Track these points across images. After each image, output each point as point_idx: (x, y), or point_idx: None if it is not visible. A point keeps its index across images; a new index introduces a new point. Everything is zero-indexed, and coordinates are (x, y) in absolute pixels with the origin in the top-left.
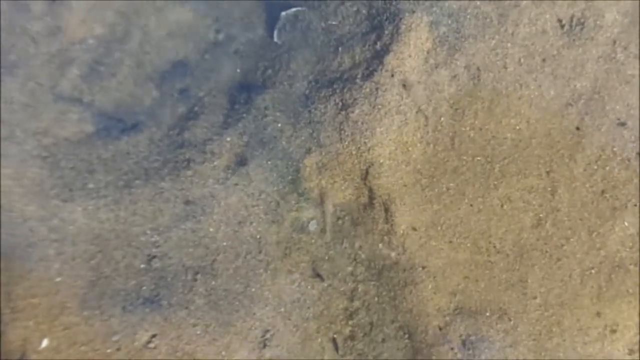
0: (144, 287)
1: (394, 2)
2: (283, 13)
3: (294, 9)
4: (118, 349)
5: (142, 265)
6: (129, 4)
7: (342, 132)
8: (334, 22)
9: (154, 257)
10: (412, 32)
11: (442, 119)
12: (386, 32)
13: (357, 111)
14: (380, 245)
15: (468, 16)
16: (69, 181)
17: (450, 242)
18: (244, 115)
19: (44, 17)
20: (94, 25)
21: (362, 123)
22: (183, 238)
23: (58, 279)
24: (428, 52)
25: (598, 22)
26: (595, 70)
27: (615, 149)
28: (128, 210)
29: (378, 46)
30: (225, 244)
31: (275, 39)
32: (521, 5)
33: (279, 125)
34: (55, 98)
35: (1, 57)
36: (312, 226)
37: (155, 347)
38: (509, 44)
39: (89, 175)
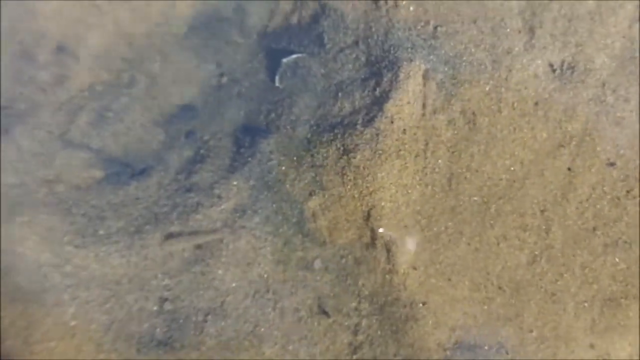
0: (157, 330)
1: (392, 51)
2: (284, 59)
3: (294, 56)
4: None
5: (155, 308)
6: (134, 50)
7: (345, 176)
8: (334, 69)
9: (166, 299)
10: (410, 80)
11: (440, 161)
12: (385, 79)
13: (358, 157)
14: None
15: (463, 63)
16: (81, 228)
17: (449, 279)
18: (249, 159)
19: (51, 66)
20: (100, 72)
21: (364, 168)
22: (193, 281)
23: (73, 323)
24: (426, 98)
25: (588, 66)
26: (586, 112)
27: (605, 188)
28: (139, 255)
29: (377, 93)
30: (234, 285)
31: (277, 84)
32: (514, 51)
33: (283, 168)
34: (65, 145)
35: (11, 106)
36: (317, 265)
37: None
38: (502, 89)
39: (100, 222)
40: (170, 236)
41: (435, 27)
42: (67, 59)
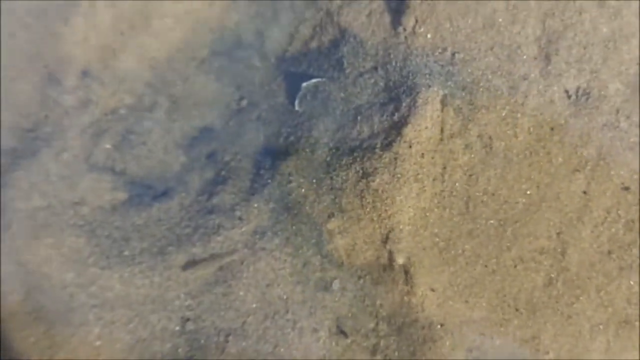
0: (179, 349)
1: (410, 76)
2: (304, 83)
3: (314, 80)
4: None
5: (177, 328)
6: (156, 74)
7: (364, 199)
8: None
9: (188, 319)
10: (428, 105)
11: (457, 184)
12: (404, 104)
13: (377, 180)
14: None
15: (480, 89)
16: (106, 249)
17: (467, 301)
18: (269, 181)
19: (76, 90)
20: (124, 96)
21: (383, 192)
22: (215, 302)
23: (98, 343)
24: (443, 123)
25: (602, 93)
26: (600, 138)
27: (620, 212)
28: (162, 276)
29: (396, 117)
30: (254, 305)
31: (297, 108)
32: (530, 78)
33: (303, 191)
34: (90, 168)
35: (37, 130)
36: (335, 286)
37: None
38: (519, 114)
39: (124, 243)
40: (190, 264)
41: (453, 54)
42: (92, 83)
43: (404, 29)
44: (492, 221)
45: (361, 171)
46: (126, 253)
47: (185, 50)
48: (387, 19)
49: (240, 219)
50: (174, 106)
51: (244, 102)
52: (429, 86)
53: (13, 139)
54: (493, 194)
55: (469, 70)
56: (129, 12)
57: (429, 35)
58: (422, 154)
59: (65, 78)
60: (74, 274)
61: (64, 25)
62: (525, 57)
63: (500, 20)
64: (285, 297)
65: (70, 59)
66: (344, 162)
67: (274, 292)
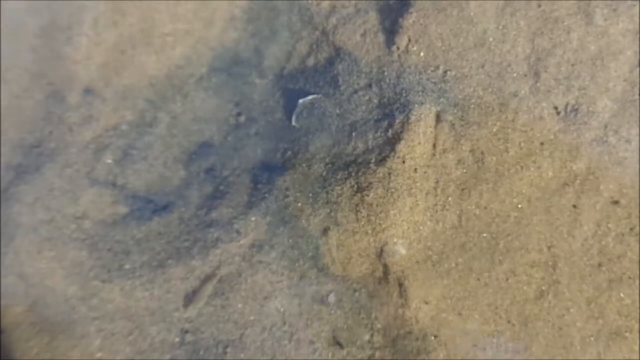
0: None
1: (403, 94)
2: (300, 100)
3: (310, 97)
4: None
5: (176, 340)
6: (157, 91)
7: (358, 213)
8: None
9: (187, 331)
10: (421, 122)
11: (450, 199)
12: (397, 121)
13: (372, 194)
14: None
15: (472, 106)
16: (107, 262)
17: (460, 314)
18: (267, 195)
19: (79, 107)
20: (125, 112)
21: (377, 205)
22: (213, 314)
23: (99, 355)
24: (436, 139)
25: (591, 109)
26: (590, 152)
27: (609, 225)
28: (162, 289)
29: (390, 134)
30: (252, 318)
31: (294, 124)
32: (520, 94)
33: (299, 205)
34: (92, 182)
35: (41, 145)
36: (331, 298)
37: None
38: (509, 130)
39: (125, 256)
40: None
41: (445, 72)
42: (94, 100)
43: (398, 48)
44: (484, 234)
45: (356, 185)
46: (127, 266)
47: (184, 68)
48: (381, 38)
49: (238, 232)
50: (174, 122)
51: (242, 118)
52: (422, 103)
53: (18, 155)
54: (485, 208)
55: (461, 88)
56: (131, 32)
57: (421, 54)
58: (415, 169)
59: (69, 95)
60: (75, 287)
61: (68, 45)
62: (515, 74)
63: (490, 39)
64: (282, 309)
65: (74, 77)
66: (339, 176)
67: (272, 304)
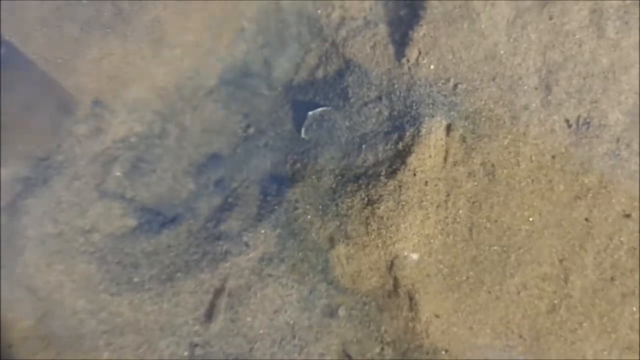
0: None
1: (414, 106)
2: (310, 112)
3: (320, 109)
4: None
5: (186, 354)
6: (166, 103)
7: (369, 226)
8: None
9: (196, 345)
10: (432, 135)
11: (461, 211)
12: (408, 133)
13: (382, 207)
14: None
15: (483, 118)
16: (116, 275)
17: (471, 328)
18: (276, 207)
19: (88, 119)
20: (134, 124)
21: (388, 219)
22: (223, 327)
23: None
24: (447, 152)
25: (602, 122)
26: (601, 166)
27: (622, 239)
28: (171, 302)
29: (400, 146)
30: (262, 332)
31: (303, 136)
32: (531, 107)
33: (309, 217)
34: (100, 195)
35: (50, 158)
36: (341, 312)
37: None
38: (520, 143)
39: (134, 270)
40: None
41: (456, 85)
42: (103, 112)
43: (408, 60)
44: (495, 248)
45: (366, 198)
46: (136, 279)
47: (194, 80)
48: (391, 50)
49: (247, 245)
50: (183, 134)
51: (252, 130)
52: (433, 116)
53: (27, 168)
54: (496, 221)
55: (472, 101)
56: (139, 44)
57: (432, 66)
58: (426, 181)
59: (78, 108)
60: (84, 300)
61: (77, 58)
62: (526, 87)
63: (501, 52)
64: (292, 322)
65: (83, 89)
66: (349, 189)
67: (281, 318)
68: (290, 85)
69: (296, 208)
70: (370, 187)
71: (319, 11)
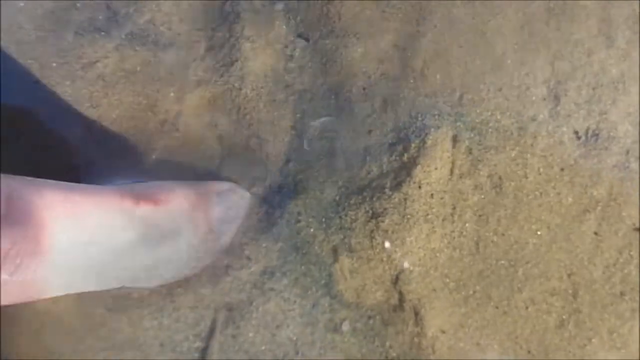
0: None
1: (419, 117)
2: (313, 122)
3: (323, 119)
4: None
5: None
6: None
7: (373, 239)
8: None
9: None
10: (438, 146)
11: (467, 225)
12: (413, 145)
13: (387, 221)
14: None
15: (490, 129)
16: (114, 292)
17: (478, 343)
18: (278, 219)
19: None
20: None
21: (392, 232)
22: (224, 343)
23: None
24: (453, 164)
25: (612, 134)
26: (611, 178)
27: (632, 253)
28: (171, 318)
29: (405, 158)
30: (264, 347)
31: (306, 147)
32: (539, 119)
33: (312, 230)
34: None
35: None
36: (345, 327)
37: None
38: (528, 155)
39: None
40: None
41: (462, 95)
42: None
43: (413, 70)
44: (502, 262)
45: (370, 211)
46: (135, 295)
47: None
48: (395, 60)
49: (248, 258)
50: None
51: (254, 141)
52: (438, 127)
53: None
54: (503, 235)
55: (478, 111)
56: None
57: (437, 77)
58: (432, 194)
59: None
60: (82, 317)
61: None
62: (534, 98)
63: (509, 62)
64: (294, 338)
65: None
66: (353, 201)
67: (284, 333)
68: (292, 94)
69: (299, 221)
70: (374, 199)
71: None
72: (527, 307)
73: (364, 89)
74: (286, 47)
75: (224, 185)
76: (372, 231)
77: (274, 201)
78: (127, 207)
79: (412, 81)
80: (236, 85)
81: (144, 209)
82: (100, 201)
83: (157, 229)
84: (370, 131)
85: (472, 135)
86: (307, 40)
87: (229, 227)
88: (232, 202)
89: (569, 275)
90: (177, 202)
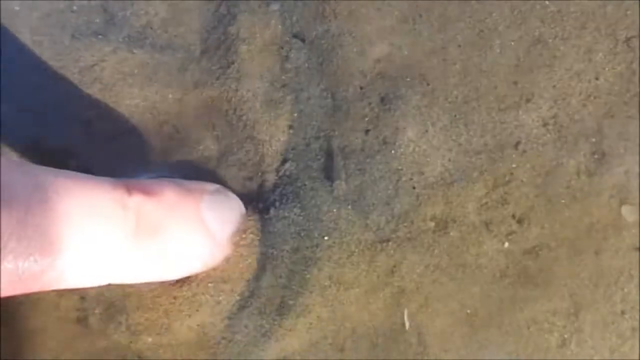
0: None
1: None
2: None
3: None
4: None
5: None
6: None
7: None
8: None
9: None
10: None
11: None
12: None
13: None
14: None
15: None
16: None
17: None
18: (274, 220)
19: None
20: None
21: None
22: None
23: None
24: None
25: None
26: (611, 198)
27: (632, 272)
28: None
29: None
30: None
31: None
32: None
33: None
34: None
35: None
36: (348, 346)
37: None
38: None
39: None
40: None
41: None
42: None
43: (410, 69)
44: (504, 281)
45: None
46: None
47: None
48: (392, 59)
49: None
50: None
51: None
52: None
53: None
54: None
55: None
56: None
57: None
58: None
59: None
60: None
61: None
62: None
63: (507, 62)
64: (298, 358)
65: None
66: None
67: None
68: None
69: (295, 222)
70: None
71: None
72: (529, 327)
73: (360, 88)
74: (282, 47)
75: (216, 186)
76: (372, 256)
77: (270, 201)
78: (120, 196)
79: (409, 80)
80: (233, 86)
81: (136, 199)
82: (92, 188)
83: (148, 221)
84: (367, 131)
85: None
86: (302, 40)
87: (223, 227)
88: (224, 203)
89: (570, 295)
90: (168, 196)
